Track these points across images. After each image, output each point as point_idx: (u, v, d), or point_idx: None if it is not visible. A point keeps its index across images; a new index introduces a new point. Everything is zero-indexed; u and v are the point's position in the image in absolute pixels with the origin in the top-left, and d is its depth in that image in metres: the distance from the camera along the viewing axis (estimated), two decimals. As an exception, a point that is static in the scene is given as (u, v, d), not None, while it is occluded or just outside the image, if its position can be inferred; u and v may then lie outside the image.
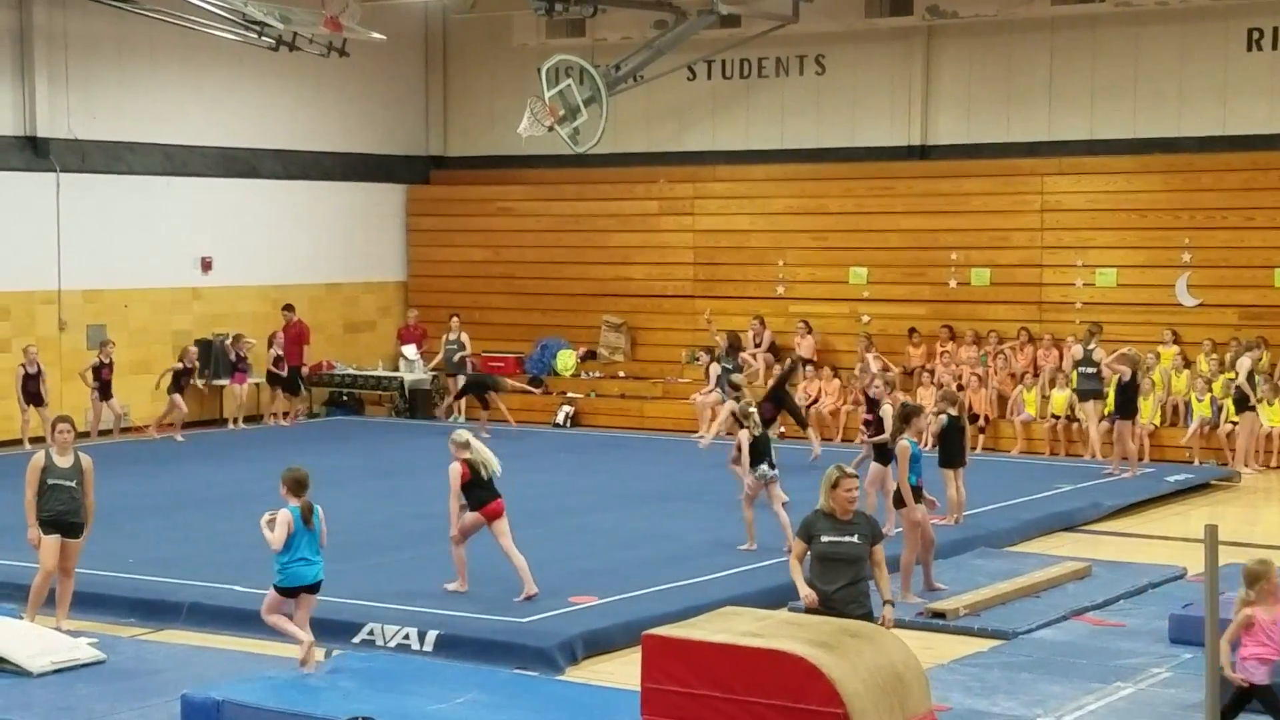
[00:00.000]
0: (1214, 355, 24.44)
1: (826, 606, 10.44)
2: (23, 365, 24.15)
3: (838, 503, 10.69)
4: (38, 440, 21.93)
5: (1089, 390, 23.47)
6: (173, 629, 13.95)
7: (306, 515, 11.77)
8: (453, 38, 31.33)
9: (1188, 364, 24.66)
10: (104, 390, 25.10)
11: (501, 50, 30.17)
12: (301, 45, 25.29)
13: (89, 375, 25.01)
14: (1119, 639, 13.53)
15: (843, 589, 10.51)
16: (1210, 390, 23.99)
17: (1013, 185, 26.28)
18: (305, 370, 28.12)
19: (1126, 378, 21.87)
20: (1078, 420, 24.36)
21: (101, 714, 11.16)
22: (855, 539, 10.58)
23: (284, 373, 27.22)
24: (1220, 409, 23.87)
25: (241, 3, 23.73)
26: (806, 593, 10.70)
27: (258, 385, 27.68)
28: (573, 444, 25.43)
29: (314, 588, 11.98)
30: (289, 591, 11.92)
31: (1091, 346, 23.15)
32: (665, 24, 26.96)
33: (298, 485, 11.83)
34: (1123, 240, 25.53)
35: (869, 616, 10.46)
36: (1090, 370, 23.30)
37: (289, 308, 27.75)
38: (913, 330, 26.43)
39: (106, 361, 25.10)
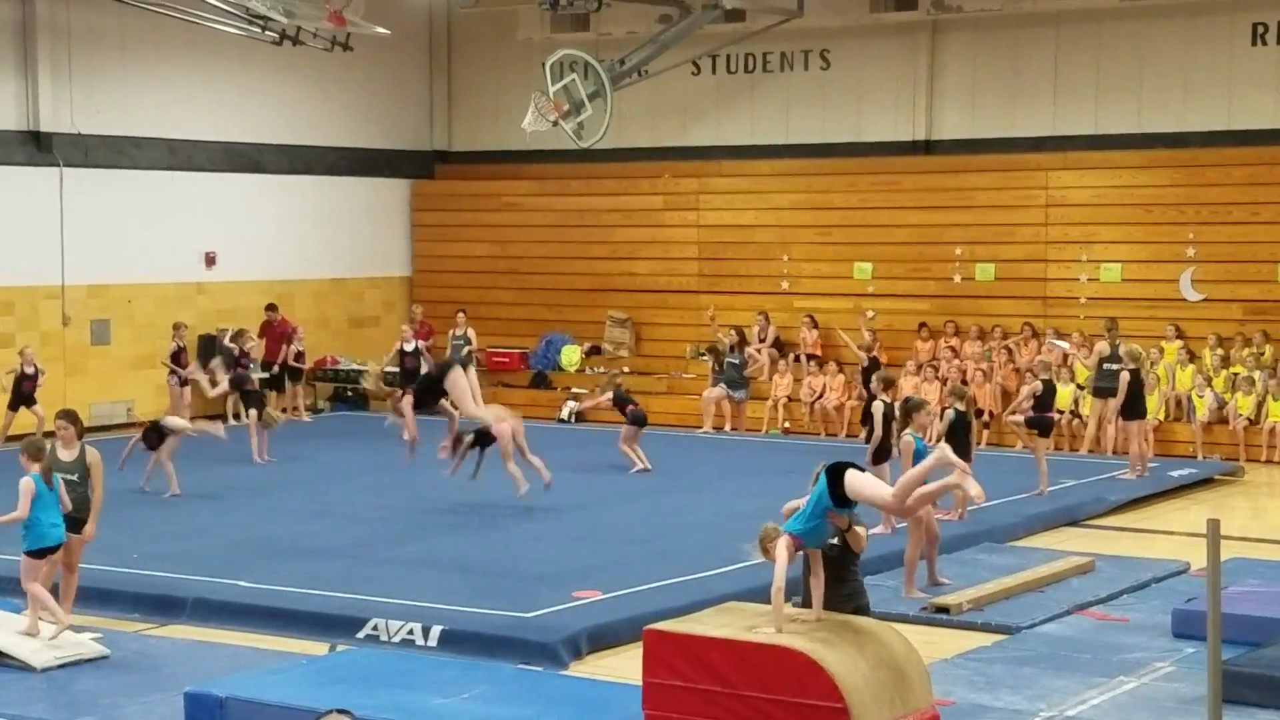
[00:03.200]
0: (1219, 350, 24.43)
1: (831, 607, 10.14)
2: (20, 366, 23.77)
3: None
4: (15, 439, 22.00)
5: (1108, 388, 23.33)
6: (177, 624, 13.96)
7: (47, 477, 12.44)
8: (457, 32, 31.33)
9: (1192, 358, 24.65)
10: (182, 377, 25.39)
11: (506, 45, 30.17)
12: (305, 40, 25.29)
13: (168, 360, 25.37)
14: (1122, 633, 13.53)
15: (834, 590, 10.28)
16: (1210, 385, 23.98)
17: (1017, 180, 26.26)
18: (279, 367, 27.80)
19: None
20: (1080, 416, 24.35)
21: (105, 709, 11.17)
22: (836, 542, 10.26)
23: (271, 372, 27.25)
24: (1223, 404, 23.87)
25: (245, -3, 23.76)
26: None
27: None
28: (577, 439, 25.42)
29: (59, 548, 12.62)
30: (39, 554, 12.45)
31: (1117, 343, 22.96)
32: (670, 18, 26.95)
33: (37, 451, 12.57)
34: (1127, 235, 25.51)
35: (863, 610, 10.37)
36: (1115, 367, 23.18)
37: (271, 307, 27.67)
38: (922, 325, 26.42)
39: (183, 346, 25.37)
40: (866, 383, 22.34)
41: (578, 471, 21.96)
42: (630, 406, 22.22)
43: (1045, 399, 20.23)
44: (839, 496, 9.65)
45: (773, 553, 9.76)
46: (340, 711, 5.72)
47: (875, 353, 24.99)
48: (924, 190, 26.84)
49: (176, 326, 25.70)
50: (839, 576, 10.34)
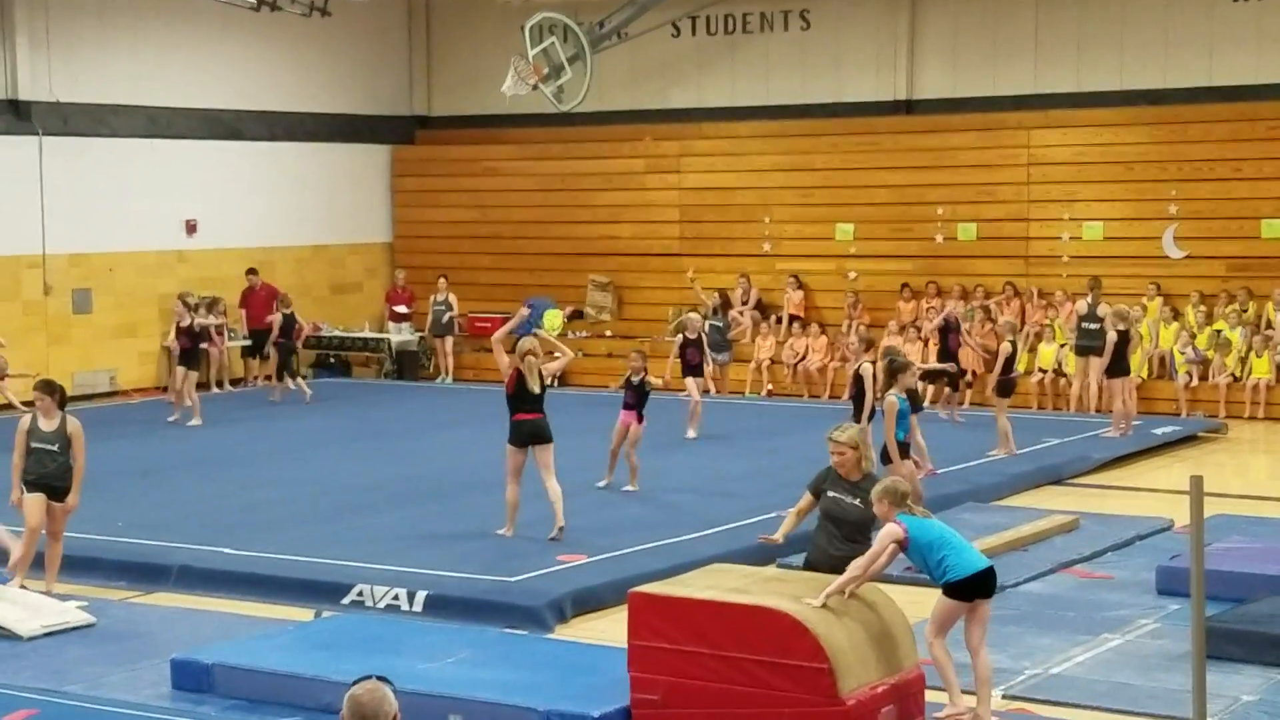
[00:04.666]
0: (1201, 307, 24.47)
1: (831, 568, 10.17)
2: None
3: (834, 465, 10.61)
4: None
5: (1090, 346, 23.33)
6: (163, 592, 13.96)
7: None
8: (436, -4, 31.22)
9: (1176, 316, 24.69)
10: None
11: (485, 8, 30.05)
12: (283, 5, 25.21)
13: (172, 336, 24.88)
14: (1106, 591, 13.57)
15: (840, 548, 10.39)
16: (1194, 343, 24.03)
17: (999, 139, 26.24)
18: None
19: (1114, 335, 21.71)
20: (1065, 375, 24.38)
21: (92, 677, 11.16)
22: (857, 502, 10.41)
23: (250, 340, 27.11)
24: (1206, 361, 23.94)
25: (222, -37, 23.65)
26: (776, 536, 10.90)
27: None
28: (560, 403, 25.33)
29: None
30: None
31: (1094, 302, 22.98)
32: (649, -20, 26.86)
33: None
34: (1109, 193, 25.52)
35: None
36: (1094, 326, 23.18)
37: (252, 271, 27.52)
38: (904, 285, 26.42)
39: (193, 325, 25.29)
40: (944, 343, 22.82)
41: (561, 436, 21.94)
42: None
43: (1010, 360, 20.18)
44: (956, 589, 9.80)
45: (882, 515, 9.84)
46: (380, 678, 5.74)
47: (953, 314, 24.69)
48: (905, 150, 26.82)
49: (183, 298, 25.37)
50: (854, 536, 10.47)
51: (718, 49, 28.80)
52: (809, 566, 10.64)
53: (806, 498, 10.75)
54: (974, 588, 9.84)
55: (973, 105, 26.72)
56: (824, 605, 9.34)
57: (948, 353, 22.82)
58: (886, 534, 9.74)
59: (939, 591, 9.93)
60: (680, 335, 21.36)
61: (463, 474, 18.85)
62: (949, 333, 22.87)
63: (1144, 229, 25.24)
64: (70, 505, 13.27)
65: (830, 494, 10.55)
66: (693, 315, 22.30)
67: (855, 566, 9.66)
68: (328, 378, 28.71)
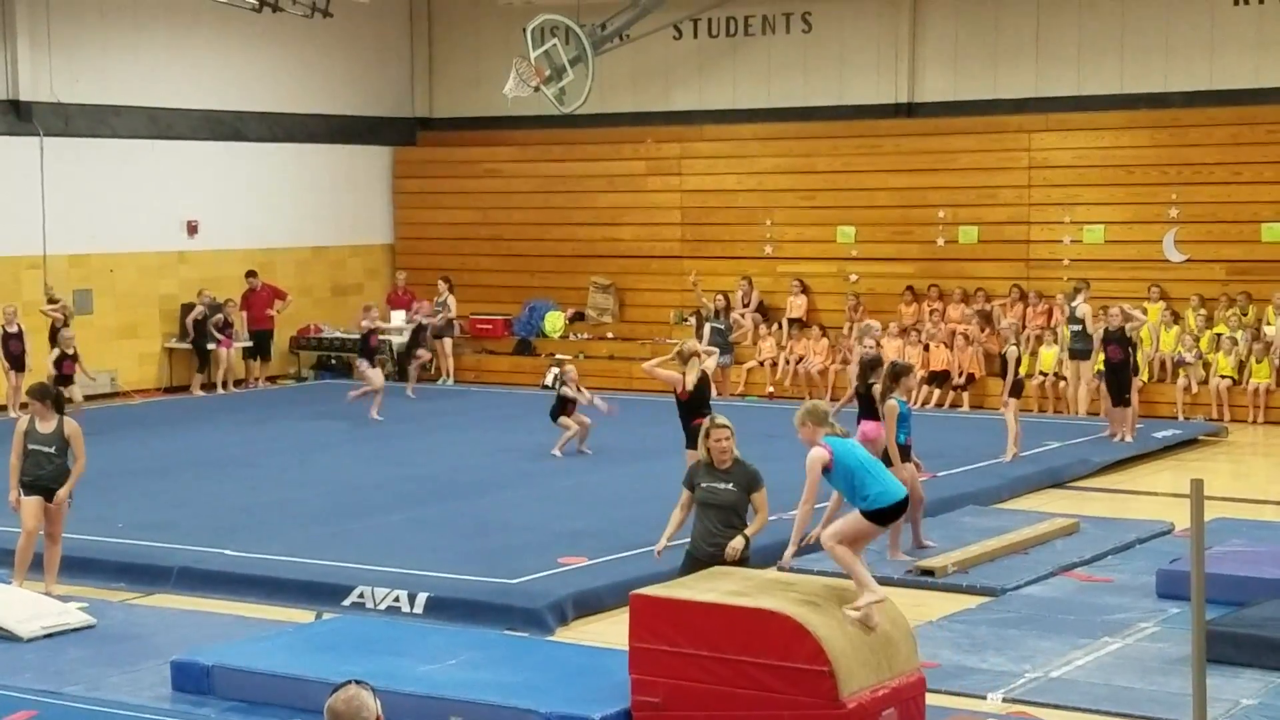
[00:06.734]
0: (1202, 311, 24.47)
1: (709, 556, 10.84)
2: (1, 326, 23.86)
3: (712, 452, 11.02)
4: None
5: (1078, 349, 23.36)
6: (163, 593, 13.95)
7: None
8: (437, -2, 31.23)
9: (1176, 320, 24.68)
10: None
11: (487, 10, 30.07)
12: (284, 6, 25.18)
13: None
14: (1107, 594, 13.56)
15: (716, 533, 10.90)
16: (1198, 345, 24.04)
17: (1000, 142, 26.24)
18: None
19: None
20: (1065, 378, 24.37)
21: (92, 678, 11.16)
22: (730, 486, 10.92)
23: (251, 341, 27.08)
24: (1206, 365, 23.94)
25: (224, -36, 23.64)
26: (659, 546, 11.40)
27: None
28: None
29: None
30: None
31: (1075, 303, 23.02)
32: (650, -18, 26.84)
33: None
34: (1110, 196, 25.52)
35: (745, 560, 10.82)
36: (1077, 328, 23.25)
37: (251, 274, 27.57)
38: (908, 288, 26.42)
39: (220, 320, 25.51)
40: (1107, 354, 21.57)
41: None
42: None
43: (1016, 362, 20.21)
44: (877, 515, 9.88)
45: (806, 438, 10.17)
46: (358, 682, 5.67)
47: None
48: (906, 153, 26.82)
49: (201, 294, 25.54)
50: (729, 521, 10.94)
51: (719, 51, 28.80)
52: (690, 556, 11.10)
53: (684, 494, 11.23)
54: (893, 514, 10.06)
55: (974, 108, 26.72)
56: (796, 555, 9.57)
57: (1110, 365, 21.27)
58: (814, 458, 10.03)
59: (856, 513, 9.99)
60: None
61: (464, 476, 18.86)
62: (1109, 344, 21.20)
63: (1144, 232, 25.24)
64: (60, 497, 13.21)
65: (703, 485, 11.04)
66: (873, 323, 21.53)
67: (799, 510, 9.94)
68: (329, 379, 28.71)
